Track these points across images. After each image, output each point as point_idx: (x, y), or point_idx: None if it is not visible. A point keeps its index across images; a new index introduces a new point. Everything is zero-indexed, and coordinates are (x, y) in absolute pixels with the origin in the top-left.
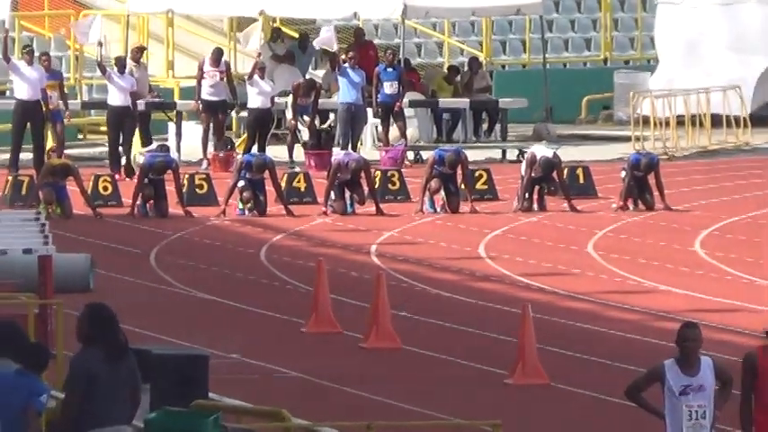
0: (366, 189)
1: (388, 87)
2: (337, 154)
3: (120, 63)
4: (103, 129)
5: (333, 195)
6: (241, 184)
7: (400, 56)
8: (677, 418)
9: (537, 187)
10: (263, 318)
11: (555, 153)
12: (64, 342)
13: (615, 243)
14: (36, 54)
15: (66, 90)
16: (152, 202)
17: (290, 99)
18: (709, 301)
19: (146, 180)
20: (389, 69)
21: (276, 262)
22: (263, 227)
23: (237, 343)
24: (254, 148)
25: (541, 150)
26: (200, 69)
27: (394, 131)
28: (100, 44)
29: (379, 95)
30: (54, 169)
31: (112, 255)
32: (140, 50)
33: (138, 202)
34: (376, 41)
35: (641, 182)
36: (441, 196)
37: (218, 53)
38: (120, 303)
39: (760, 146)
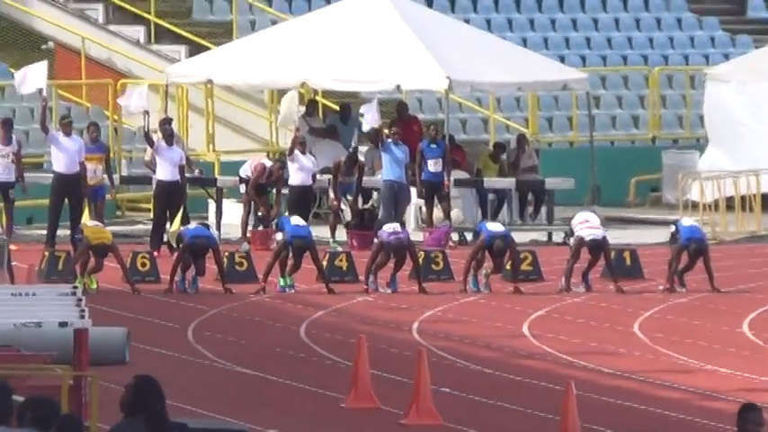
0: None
1: (433, 165)
2: (382, 232)
3: (168, 134)
4: (143, 205)
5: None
6: None
7: (444, 131)
8: None
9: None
10: (301, 392)
11: (604, 236)
12: (98, 415)
13: (662, 324)
14: (74, 125)
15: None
16: (190, 277)
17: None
18: (754, 381)
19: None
20: (433, 146)
21: (316, 337)
22: (303, 303)
23: (275, 418)
24: None
25: (589, 233)
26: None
27: (437, 212)
28: (146, 113)
29: (423, 173)
30: (94, 248)
31: (150, 329)
32: (167, 122)
33: (176, 278)
34: (419, 116)
35: (689, 266)
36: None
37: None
38: (156, 377)
39: None
